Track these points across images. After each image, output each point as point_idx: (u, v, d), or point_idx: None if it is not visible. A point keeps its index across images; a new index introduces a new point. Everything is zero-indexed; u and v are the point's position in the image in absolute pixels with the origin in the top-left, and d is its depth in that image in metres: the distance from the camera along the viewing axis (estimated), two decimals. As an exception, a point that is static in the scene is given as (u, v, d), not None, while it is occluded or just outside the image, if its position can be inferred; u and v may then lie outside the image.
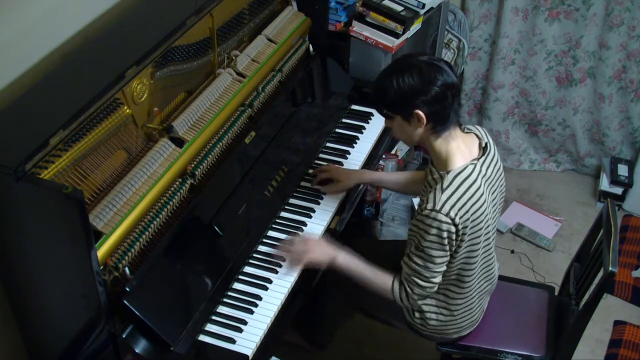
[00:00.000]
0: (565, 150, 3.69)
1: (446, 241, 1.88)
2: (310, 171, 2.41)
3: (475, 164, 1.91)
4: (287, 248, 2.11)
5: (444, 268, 1.96)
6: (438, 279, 1.98)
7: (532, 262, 3.21)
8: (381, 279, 2.05)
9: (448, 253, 1.92)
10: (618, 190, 3.48)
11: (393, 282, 2.03)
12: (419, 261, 1.94)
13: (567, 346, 2.19)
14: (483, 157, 1.94)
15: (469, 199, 1.87)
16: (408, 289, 2.00)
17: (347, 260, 2.08)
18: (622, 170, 3.47)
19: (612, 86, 3.39)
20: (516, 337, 2.25)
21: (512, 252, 3.26)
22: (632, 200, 3.46)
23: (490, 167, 1.96)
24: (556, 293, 2.42)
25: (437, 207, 1.85)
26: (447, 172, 1.89)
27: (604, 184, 3.50)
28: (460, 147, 1.91)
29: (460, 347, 2.24)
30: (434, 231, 1.87)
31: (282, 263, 2.10)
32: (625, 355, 2.79)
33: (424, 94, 1.82)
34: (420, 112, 1.84)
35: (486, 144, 1.97)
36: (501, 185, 2.05)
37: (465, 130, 1.99)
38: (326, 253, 2.08)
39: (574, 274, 2.33)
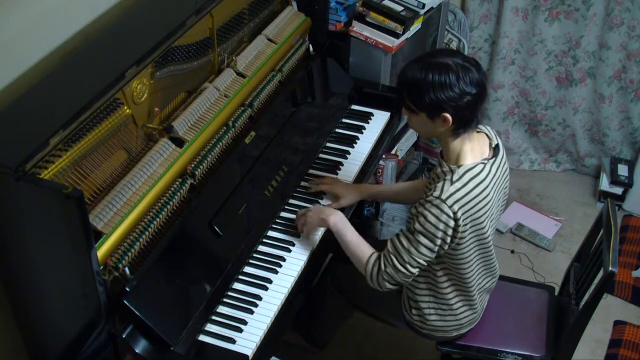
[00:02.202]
0: (565, 150, 3.70)
1: (440, 234, 1.86)
2: (311, 171, 2.41)
3: (486, 164, 1.91)
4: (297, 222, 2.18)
5: (424, 262, 1.93)
6: (414, 270, 1.94)
7: (532, 262, 3.21)
8: (361, 250, 2.04)
9: (436, 247, 1.89)
10: (618, 190, 3.48)
11: (370, 256, 2.01)
12: (404, 242, 1.92)
13: (567, 346, 2.19)
14: (494, 158, 1.94)
15: (476, 197, 1.86)
16: (382, 264, 1.97)
17: (339, 221, 2.10)
18: (622, 170, 3.47)
19: (612, 86, 3.39)
20: (516, 337, 2.25)
21: (512, 252, 3.26)
22: (632, 200, 3.47)
23: (500, 168, 1.96)
24: (556, 293, 2.42)
25: (443, 197, 1.84)
26: (458, 167, 1.89)
27: (604, 184, 3.50)
28: (474, 148, 1.92)
29: (460, 346, 2.24)
30: (432, 219, 1.85)
31: (282, 261, 2.10)
32: (625, 355, 2.79)
33: (457, 100, 1.80)
34: (448, 115, 1.83)
35: (497, 145, 1.97)
36: (505, 187, 2.05)
37: (476, 130, 1.99)
38: (322, 212, 2.12)
39: (574, 274, 2.33)
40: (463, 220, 1.86)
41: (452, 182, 1.86)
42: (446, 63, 1.80)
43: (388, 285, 2.00)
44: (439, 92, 1.79)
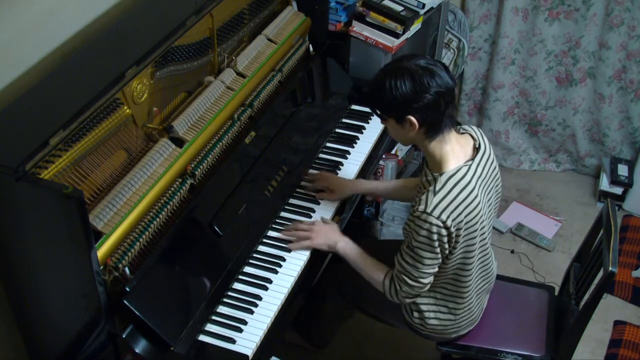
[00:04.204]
0: (565, 150, 3.70)
1: (436, 243, 1.89)
2: (310, 171, 2.41)
3: (470, 165, 1.91)
4: (292, 231, 2.16)
5: (435, 269, 1.97)
6: (427, 280, 1.99)
7: (532, 262, 3.21)
8: (375, 273, 2.10)
9: (439, 255, 1.92)
10: (618, 190, 3.48)
11: (384, 278, 2.07)
12: (409, 260, 1.95)
13: (567, 346, 2.19)
14: (476, 158, 1.94)
15: (462, 202, 1.87)
16: (397, 286, 2.02)
17: (347, 247, 2.14)
18: (622, 170, 3.47)
19: (612, 86, 3.39)
20: (516, 337, 2.26)
21: (512, 252, 3.26)
22: (632, 200, 3.47)
23: (486, 167, 1.97)
24: (556, 293, 2.42)
25: (429, 210, 1.85)
26: (441, 175, 1.89)
27: (604, 184, 3.50)
28: (454, 150, 1.92)
29: (460, 346, 2.24)
30: (424, 233, 1.88)
31: (282, 261, 2.10)
32: (625, 355, 2.79)
33: (416, 101, 1.81)
34: (412, 118, 1.84)
35: (479, 144, 1.97)
36: (497, 185, 2.05)
37: (461, 131, 1.99)
38: (329, 237, 2.14)
39: (574, 274, 2.33)
40: (454, 227, 1.87)
41: (435, 193, 1.86)
42: (404, 67, 1.83)
43: (409, 300, 2.08)
44: (397, 93, 1.81)
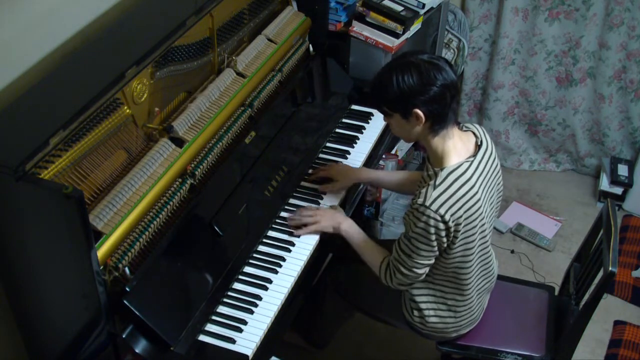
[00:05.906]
0: (565, 150, 3.70)
1: (433, 237, 1.89)
2: (311, 171, 2.41)
3: (471, 162, 1.92)
4: (297, 218, 2.19)
5: (430, 261, 1.98)
6: (422, 270, 2.00)
7: (532, 262, 3.21)
8: (373, 256, 2.13)
9: (435, 248, 1.93)
10: (618, 190, 3.48)
11: (382, 262, 2.09)
12: (405, 249, 1.97)
13: (567, 346, 2.19)
14: (478, 155, 1.94)
15: (462, 197, 1.87)
16: (392, 272, 2.04)
17: (350, 229, 2.17)
18: (622, 170, 3.47)
19: (612, 86, 3.39)
20: (516, 337, 2.26)
21: (512, 252, 3.26)
22: (632, 200, 3.47)
23: (488, 164, 1.97)
24: (556, 293, 2.42)
25: (427, 203, 1.86)
26: (442, 169, 1.90)
27: (604, 184, 3.50)
28: (456, 146, 1.92)
29: (460, 346, 2.24)
30: (421, 225, 1.89)
31: (282, 261, 2.10)
32: (625, 355, 2.79)
33: (423, 94, 1.83)
34: (419, 112, 1.85)
35: (481, 141, 1.98)
36: (498, 183, 2.06)
37: (464, 129, 2.00)
38: (334, 219, 2.17)
39: (574, 274, 2.33)
40: (453, 222, 1.87)
41: (435, 187, 1.87)
42: (409, 61, 1.85)
43: (402, 287, 2.10)
44: (404, 85, 1.83)
